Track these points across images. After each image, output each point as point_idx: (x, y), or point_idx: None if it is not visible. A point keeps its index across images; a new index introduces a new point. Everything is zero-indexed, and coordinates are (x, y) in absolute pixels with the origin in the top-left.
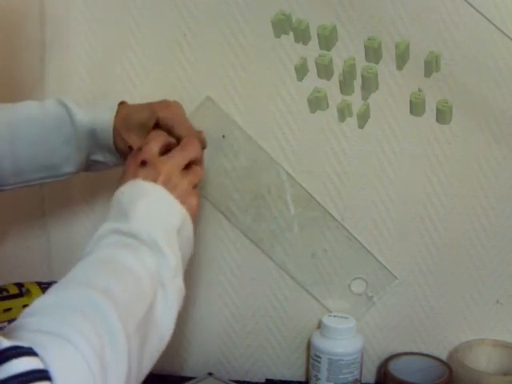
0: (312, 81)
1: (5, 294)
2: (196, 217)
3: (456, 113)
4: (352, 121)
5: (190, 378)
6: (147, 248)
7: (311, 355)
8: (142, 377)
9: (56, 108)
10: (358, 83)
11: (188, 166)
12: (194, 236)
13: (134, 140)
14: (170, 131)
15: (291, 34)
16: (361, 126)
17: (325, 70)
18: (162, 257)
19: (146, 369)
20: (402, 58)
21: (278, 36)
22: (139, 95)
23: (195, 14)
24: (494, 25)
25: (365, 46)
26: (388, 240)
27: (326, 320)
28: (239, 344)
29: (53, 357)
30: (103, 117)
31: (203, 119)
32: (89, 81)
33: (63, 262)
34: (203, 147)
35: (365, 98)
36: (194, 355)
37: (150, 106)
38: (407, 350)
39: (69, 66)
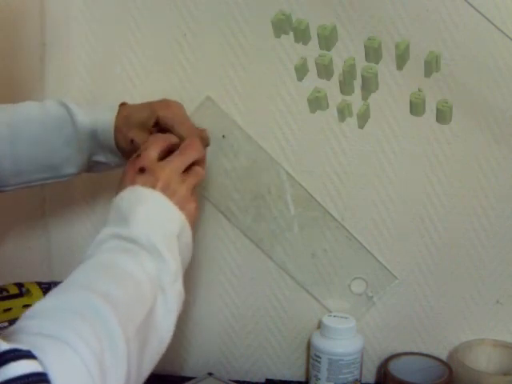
0: (312, 81)
1: (5, 293)
2: (195, 222)
3: (456, 113)
4: (352, 121)
5: (190, 378)
6: (147, 253)
7: (311, 355)
8: (142, 380)
9: (57, 109)
10: (358, 83)
11: (189, 167)
12: (192, 242)
13: (135, 134)
14: (170, 131)
15: (291, 33)
16: (361, 126)
17: (325, 70)
18: (161, 261)
19: (145, 372)
20: (402, 58)
21: (278, 36)
22: (139, 95)
23: (195, 14)
24: (494, 25)
25: (365, 46)
26: (388, 240)
27: (326, 320)
28: (239, 344)
29: (52, 360)
30: (104, 117)
31: (203, 119)
32: (89, 81)
33: (63, 263)
34: (206, 145)
35: (365, 98)
36: (194, 355)
37: (150, 105)
38: (407, 349)
39: (69, 66)
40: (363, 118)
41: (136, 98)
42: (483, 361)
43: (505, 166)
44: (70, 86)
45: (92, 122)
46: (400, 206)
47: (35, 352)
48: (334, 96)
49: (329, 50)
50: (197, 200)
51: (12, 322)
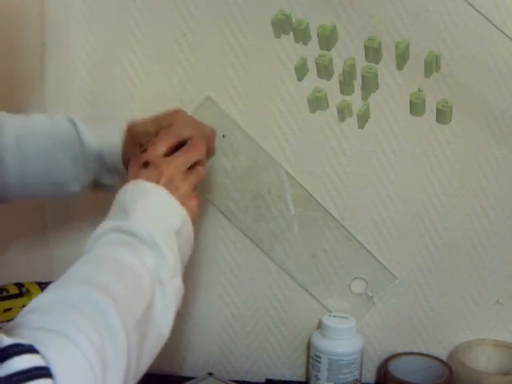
0: (312, 81)
1: (5, 294)
2: (196, 218)
3: (456, 113)
4: (352, 121)
5: (189, 378)
6: (147, 247)
7: (311, 355)
8: (141, 373)
9: (66, 125)
10: (358, 83)
11: (191, 167)
12: (193, 237)
13: (142, 139)
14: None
15: (291, 33)
16: (361, 126)
17: (325, 70)
18: (160, 256)
19: (144, 366)
20: (402, 58)
21: (278, 36)
22: (139, 95)
23: (195, 14)
24: (494, 25)
25: (365, 46)
26: (388, 240)
27: (326, 320)
28: (239, 344)
29: (53, 354)
30: (111, 140)
31: (203, 119)
32: (89, 81)
33: (63, 262)
34: (212, 153)
35: (365, 98)
36: (194, 355)
37: (156, 118)
38: (407, 349)
39: (69, 66)
40: (363, 118)
41: (136, 98)
42: (483, 361)
43: (505, 166)
44: (69, 86)
45: (99, 144)
46: (400, 206)
47: (37, 346)
48: (334, 96)
49: (329, 50)
50: (198, 197)
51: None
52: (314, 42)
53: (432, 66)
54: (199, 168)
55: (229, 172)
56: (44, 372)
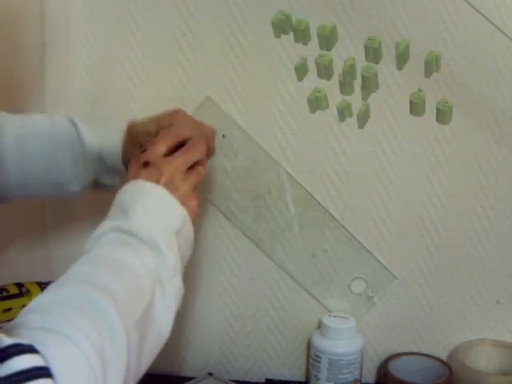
0: (312, 81)
1: (5, 293)
2: (196, 219)
3: (456, 113)
4: (352, 121)
5: (189, 378)
6: (147, 247)
7: (311, 355)
8: (141, 373)
9: (66, 125)
10: (358, 83)
11: (191, 167)
12: (194, 237)
13: (142, 139)
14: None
15: (291, 34)
16: (361, 126)
17: (325, 70)
18: (160, 256)
19: (144, 366)
20: (402, 58)
21: (278, 36)
22: (139, 95)
23: (195, 14)
24: (494, 25)
25: (365, 46)
26: (388, 240)
27: (326, 320)
28: (239, 344)
29: (54, 354)
30: (111, 140)
31: (203, 119)
32: (89, 81)
33: (63, 262)
34: (212, 153)
35: (365, 98)
36: (194, 355)
37: (156, 117)
38: (407, 349)
39: (69, 66)
40: (363, 118)
41: (136, 98)
42: (483, 361)
43: (505, 166)
44: (70, 86)
45: (99, 144)
46: (400, 206)
47: (37, 346)
48: (334, 96)
49: (329, 50)
50: (198, 197)
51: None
52: (314, 42)
53: (432, 65)
54: (199, 168)
55: (229, 172)
56: (44, 372)
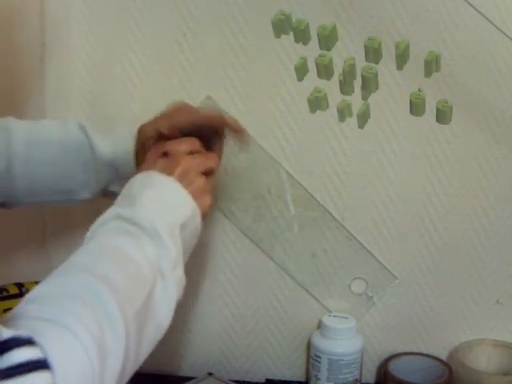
0: (312, 81)
1: (5, 294)
2: (206, 216)
3: (456, 113)
4: (352, 121)
5: (189, 378)
6: (148, 237)
7: (311, 355)
8: (139, 364)
9: (77, 132)
10: (358, 83)
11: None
12: (199, 232)
13: (161, 125)
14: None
15: (291, 34)
16: (361, 126)
17: (325, 70)
18: (162, 247)
19: (142, 357)
20: (402, 58)
21: (278, 36)
22: (139, 95)
23: (195, 14)
24: (494, 25)
25: (365, 46)
26: (388, 240)
27: (326, 320)
28: (239, 344)
29: (51, 345)
30: (123, 148)
31: None
32: (89, 81)
33: (63, 262)
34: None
35: (365, 98)
36: (194, 355)
37: (162, 113)
38: (407, 349)
39: (69, 66)
40: (363, 118)
41: (136, 98)
42: (483, 361)
43: (505, 166)
44: (70, 86)
45: (110, 151)
46: (400, 206)
47: (35, 337)
48: (334, 96)
49: (329, 50)
50: (211, 195)
51: None
52: (314, 42)
53: (432, 66)
54: (211, 177)
55: (229, 172)
56: (42, 364)
